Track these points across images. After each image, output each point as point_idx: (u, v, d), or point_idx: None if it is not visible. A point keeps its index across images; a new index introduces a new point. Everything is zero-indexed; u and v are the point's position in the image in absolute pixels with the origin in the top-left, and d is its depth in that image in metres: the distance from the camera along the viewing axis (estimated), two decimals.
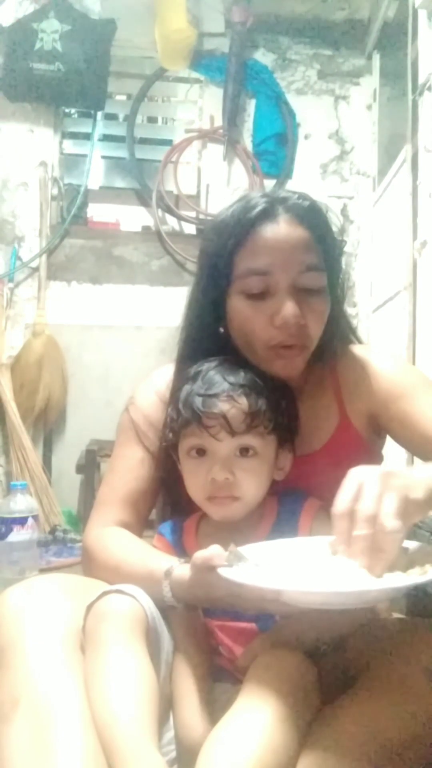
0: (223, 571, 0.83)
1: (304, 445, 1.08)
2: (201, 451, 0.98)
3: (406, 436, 1.07)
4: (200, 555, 0.86)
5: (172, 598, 0.90)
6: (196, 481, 0.99)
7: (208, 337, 1.08)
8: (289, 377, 1.04)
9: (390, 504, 0.78)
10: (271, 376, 1.02)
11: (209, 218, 3.20)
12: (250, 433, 0.97)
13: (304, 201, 1.04)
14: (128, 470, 1.10)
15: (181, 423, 0.99)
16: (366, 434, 1.10)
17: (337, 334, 1.10)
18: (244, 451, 0.97)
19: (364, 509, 0.78)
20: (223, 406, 0.96)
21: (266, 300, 1.01)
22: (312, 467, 1.06)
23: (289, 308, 0.99)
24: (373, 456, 1.14)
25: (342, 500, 0.81)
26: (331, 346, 1.09)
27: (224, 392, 0.97)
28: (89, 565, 1.06)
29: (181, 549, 1.02)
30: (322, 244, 1.04)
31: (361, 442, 1.10)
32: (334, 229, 1.07)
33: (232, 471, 0.96)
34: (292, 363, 1.03)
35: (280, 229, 1.01)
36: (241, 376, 0.99)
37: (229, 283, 1.03)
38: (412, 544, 0.88)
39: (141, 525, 1.11)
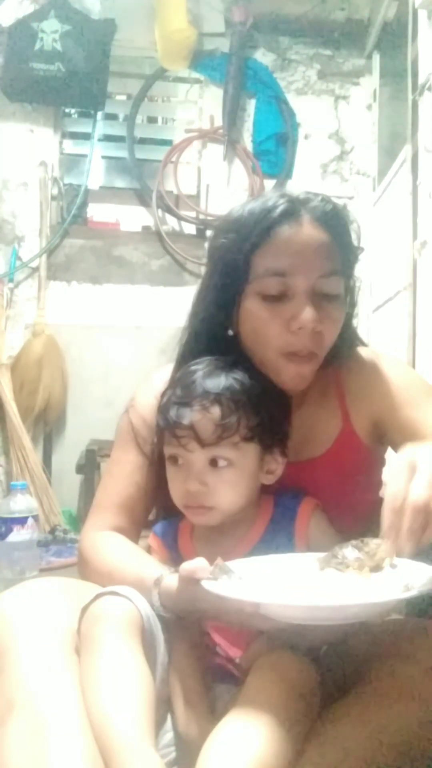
0: (205, 583, 0.83)
1: (306, 451, 1.06)
2: (176, 460, 0.98)
3: (404, 444, 1.06)
4: (185, 567, 0.86)
5: (160, 607, 0.89)
6: (174, 488, 0.99)
7: (214, 339, 1.05)
8: (296, 387, 1.02)
9: None
10: (264, 378, 1.00)
11: (210, 218, 3.21)
12: (222, 444, 0.94)
13: (327, 204, 1.02)
14: (125, 475, 1.09)
15: (159, 431, 0.99)
16: (368, 441, 1.09)
17: (346, 341, 1.08)
18: (217, 461, 0.95)
19: (415, 498, 0.75)
20: (194, 416, 0.94)
21: (283, 303, 0.98)
22: (313, 473, 1.05)
23: (308, 313, 0.96)
24: (375, 462, 1.13)
25: (394, 492, 0.77)
26: (339, 352, 1.07)
27: (197, 401, 0.94)
28: (83, 568, 1.06)
29: (175, 550, 1.02)
30: (342, 249, 1.01)
31: (364, 448, 1.08)
32: (354, 235, 1.05)
33: (205, 482, 0.95)
34: (302, 371, 1.00)
35: (303, 231, 0.98)
36: (221, 381, 0.96)
37: (245, 282, 1.00)
38: (401, 561, 0.87)
39: (137, 529, 1.10)
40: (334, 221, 1.01)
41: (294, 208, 0.99)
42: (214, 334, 1.06)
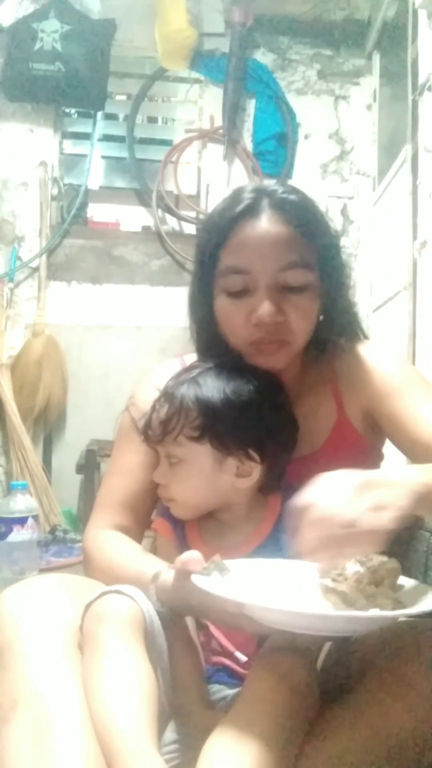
0: (195, 578, 0.83)
1: (305, 445, 1.07)
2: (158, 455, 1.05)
3: (395, 435, 1.06)
4: (181, 558, 0.86)
5: (157, 602, 0.90)
6: None
7: (207, 334, 1.09)
8: (275, 370, 1.04)
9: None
10: (258, 386, 1.01)
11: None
12: (167, 441, 1.00)
13: (291, 194, 1.03)
14: (127, 473, 1.10)
15: None
16: (364, 432, 1.09)
17: (334, 331, 1.09)
18: (170, 457, 1.01)
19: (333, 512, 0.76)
20: (152, 414, 1.02)
21: (246, 298, 1.00)
22: (315, 467, 1.05)
23: (265, 307, 0.98)
24: (373, 454, 1.13)
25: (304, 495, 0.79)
26: (329, 343, 1.08)
27: (156, 401, 1.02)
28: (87, 566, 1.07)
29: (182, 535, 1.03)
30: (311, 239, 1.02)
31: (360, 439, 1.09)
32: (322, 223, 1.05)
33: (164, 476, 1.02)
34: (274, 358, 1.03)
35: (262, 226, 1.00)
36: (180, 384, 1.01)
37: (213, 279, 1.03)
38: (408, 582, 0.86)
39: (140, 527, 1.11)
40: (299, 212, 1.01)
41: (255, 203, 1.01)
42: (206, 332, 1.09)
